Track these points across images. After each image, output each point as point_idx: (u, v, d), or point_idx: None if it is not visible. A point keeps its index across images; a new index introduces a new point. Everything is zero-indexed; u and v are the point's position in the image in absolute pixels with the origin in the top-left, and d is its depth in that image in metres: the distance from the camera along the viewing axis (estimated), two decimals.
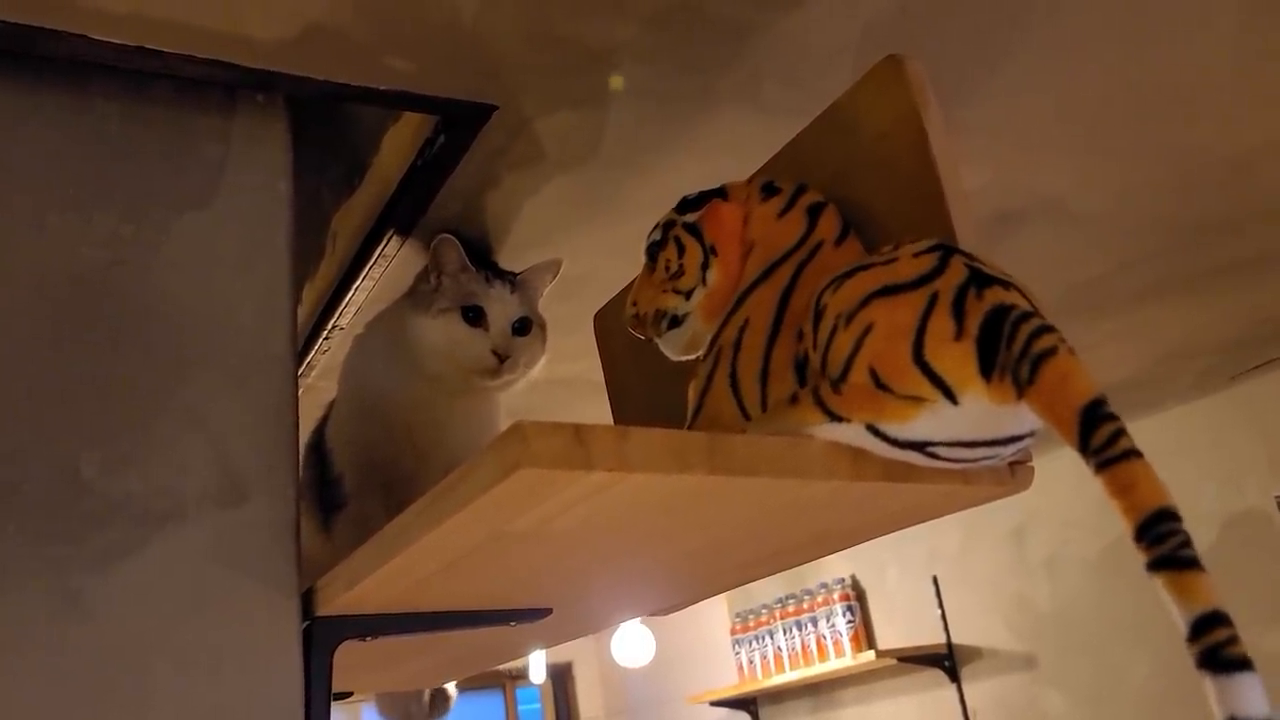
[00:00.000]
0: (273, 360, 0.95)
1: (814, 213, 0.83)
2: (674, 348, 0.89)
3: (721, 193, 0.87)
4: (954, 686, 3.45)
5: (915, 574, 3.62)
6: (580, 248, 1.32)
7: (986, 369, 0.63)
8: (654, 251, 0.89)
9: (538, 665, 4.25)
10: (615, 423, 1.19)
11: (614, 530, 0.73)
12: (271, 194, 1.00)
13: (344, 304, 1.37)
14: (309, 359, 1.51)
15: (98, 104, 0.95)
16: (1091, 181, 1.39)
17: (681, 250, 0.86)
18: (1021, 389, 0.61)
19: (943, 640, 3.50)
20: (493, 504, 0.63)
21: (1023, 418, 0.64)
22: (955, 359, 0.63)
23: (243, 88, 0.98)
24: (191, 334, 0.92)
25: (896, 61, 0.84)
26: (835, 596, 3.76)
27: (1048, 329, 0.63)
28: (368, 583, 0.81)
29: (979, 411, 0.63)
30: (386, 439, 1.21)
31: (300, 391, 1.61)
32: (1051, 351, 0.61)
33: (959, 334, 0.64)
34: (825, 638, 3.76)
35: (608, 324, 1.21)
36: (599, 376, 1.25)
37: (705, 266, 0.85)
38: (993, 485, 0.72)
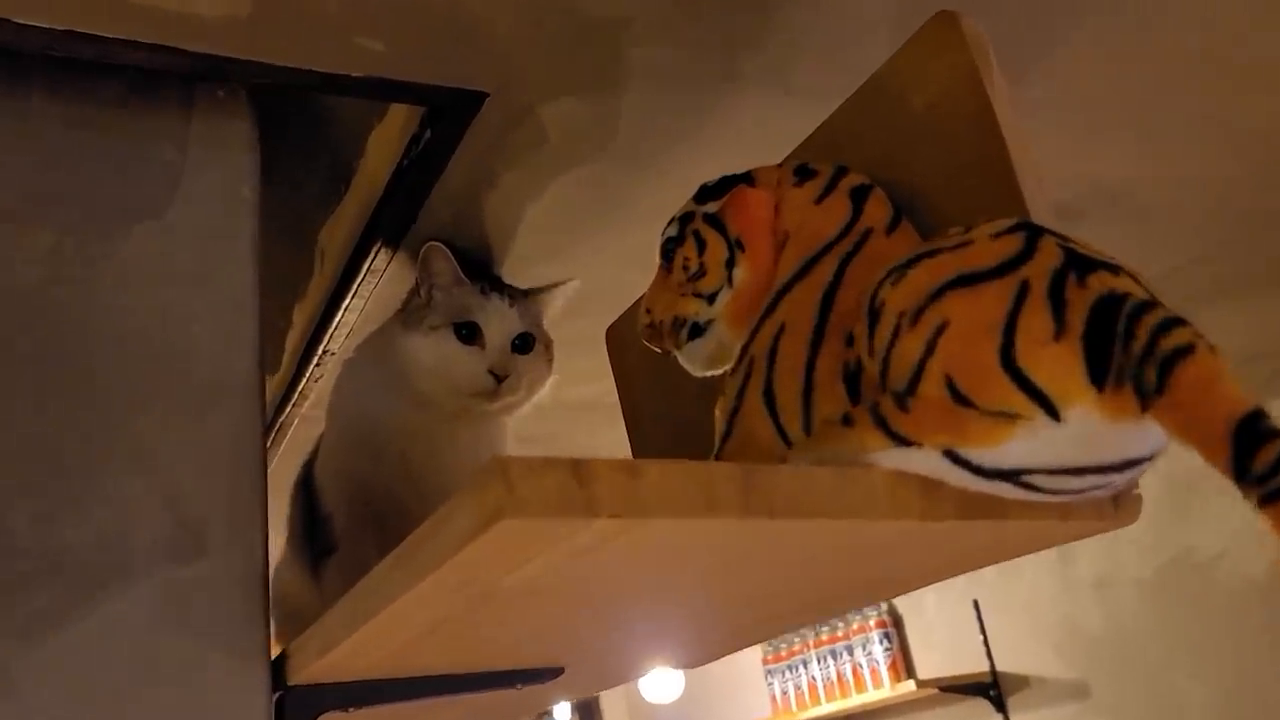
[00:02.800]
0: (235, 389, 0.83)
1: (859, 197, 0.70)
2: (697, 361, 0.76)
3: (748, 178, 0.75)
4: (1000, 717, 3.29)
5: (954, 598, 3.46)
6: (590, 256, 1.19)
7: (1097, 375, 0.49)
8: (670, 249, 0.76)
9: (563, 703, 4.11)
10: (633, 452, 1.06)
11: (627, 583, 0.60)
12: (234, 200, 0.88)
13: (334, 326, 1.26)
14: (300, 387, 1.39)
15: (36, 103, 0.84)
16: (1156, 170, 1.26)
17: (702, 246, 0.73)
18: (1147, 399, 0.48)
19: (986, 668, 3.34)
20: (474, 561, 0.50)
21: (1147, 436, 0.51)
22: (1056, 363, 0.50)
23: (199, 80, 0.87)
24: (142, 360, 0.80)
25: (950, 19, 0.72)
26: (871, 623, 3.61)
27: (1177, 321, 0.49)
28: (343, 648, 0.68)
29: (1089, 429, 0.50)
30: (379, 473, 1.09)
31: (294, 423, 1.50)
32: (1187, 350, 0.48)
33: (1059, 332, 0.50)
34: (862, 666, 3.60)
35: (622, 339, 1.09)
36: (615, 398, 1.12)
37: (730, 264, 0.72)
38: (1093, 519, 0.59)
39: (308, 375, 1.38)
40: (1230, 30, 1.03)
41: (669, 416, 1.01)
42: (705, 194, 0.76)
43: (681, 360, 0.78)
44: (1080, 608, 3.10)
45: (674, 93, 0.95)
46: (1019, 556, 0.67)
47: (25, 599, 0.71)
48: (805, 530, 0.53)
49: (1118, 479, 0.54)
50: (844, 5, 0.88)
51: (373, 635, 0.65)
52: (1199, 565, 2.76)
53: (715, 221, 0.73)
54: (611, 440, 1.65)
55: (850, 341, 0.61)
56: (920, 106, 0.73)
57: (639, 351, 1.03)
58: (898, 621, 3.66)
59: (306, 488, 1.16)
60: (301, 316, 1.34)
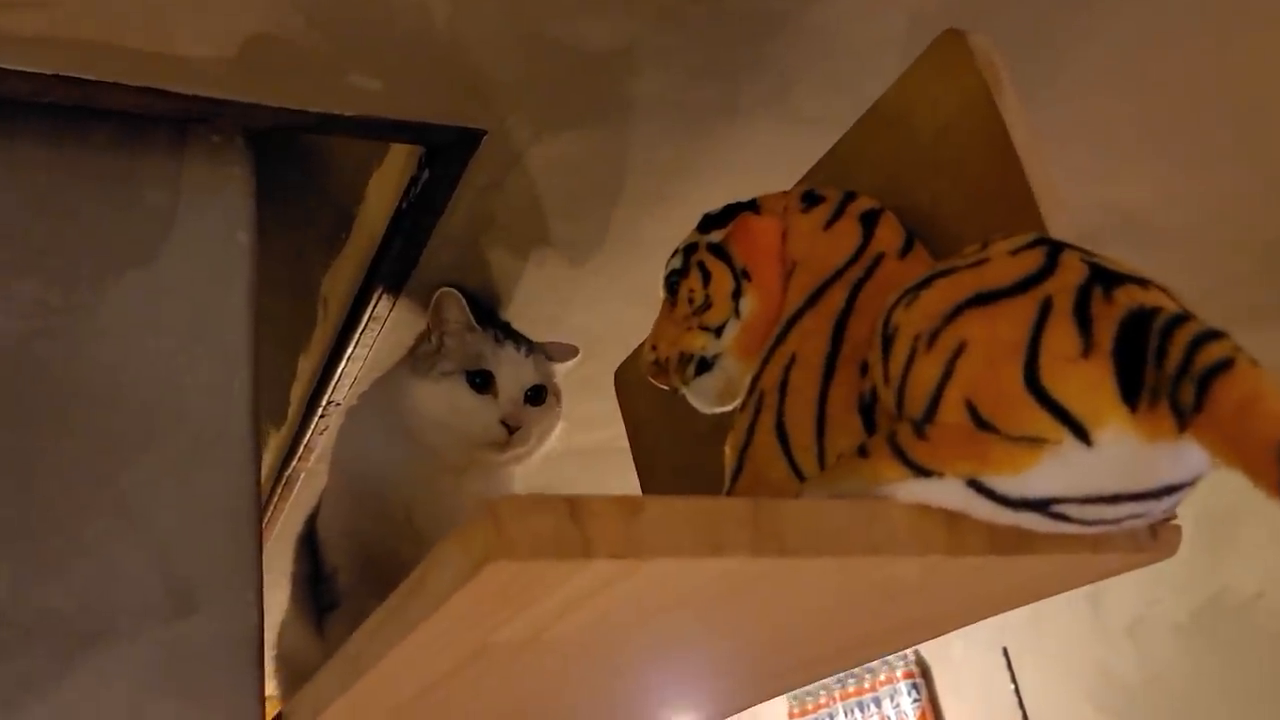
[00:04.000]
0: (229, 441, 0.80)
1: (869, 221, 0.67)
2: (705, 397, 0.73)
3: (752, 205, 0.72)
4: None
5: (983, 646, 3.37)
6: (594, 296, 1.16)
7: (1130, 394, 0.46)
8: (674, 282, 0.73)
9: None
10: (644, 492, 1.02)
11: (632, 632, 0.56)
12: (229, 246, 0.86)
13: (338, 376, 1.23)
14: (305, 440, 1.37)
15: (21, 150, 0.82)
16: (1176, 193, 1.23)
17: (707, 277, 0.70)
18: (1185, 418, 0.44)
19: (1019, 718, 3.24)
20: (465, 610, 0.47)
21: (1185, 459, 0.47)
22: (1084, 382, 0.47)
23: (193, 123, 0.85)
24: (130, 414, 0.77)
25: (957, 37, 0.69)
26: (898, 674, 3.52)
27: (1215, 335, 0.46)
28: (337, 708, 0.64)
29: (1122, 453, 0.46)
30: (384, 525, 1.05)
31: (299, 477, 1.47)
32: (1226, 364, 0.44)
33: (1087, 348, 0.47)
34: (890, 719, 3.51)
35: (630, 380, 1.06)
36: (625, 443, 1.09)
37: (737, 294, 0.69)
38: (1129, 553, 0.55)
39: (313, 427, 1.35)
40: (1249, 53, 1.00)
41: (682, 460, 0.97)
42: (709, 223, 0.73)
43: (689, 397, 0.74)
44: (1114, 653, 3.01)
45: (675, 124, 0.92)
46: (1055, 594, 0.63)
47: (6, 664, 0.67)
48: (822, 569, 0.49)
49: (1156, 507, 0.50)
50: (846, 31, 0.86)
51: (365, 695, 0.62)
52: (1236, 607, 2.68)
53: (720, 251, 0.70)
54: (621, 486, 1.61)
55: (865, 370, 0.58)
56: (930, 130, 0.70)
57: (649, 393, 0.99)
58: (925, 672, 3.57)
59: (309, 542, 1.13)
60: (306, 367, 1.32)
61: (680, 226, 1.06)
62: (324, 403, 1.29)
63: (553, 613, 0.48)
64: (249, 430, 0.81)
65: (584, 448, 1.46)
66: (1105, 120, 1.07)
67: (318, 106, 0.81)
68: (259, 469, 0.82)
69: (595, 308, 1.19)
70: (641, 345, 1.03)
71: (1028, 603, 0.64)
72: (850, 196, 0.70)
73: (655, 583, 0.47)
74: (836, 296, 0.63)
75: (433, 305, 1.05)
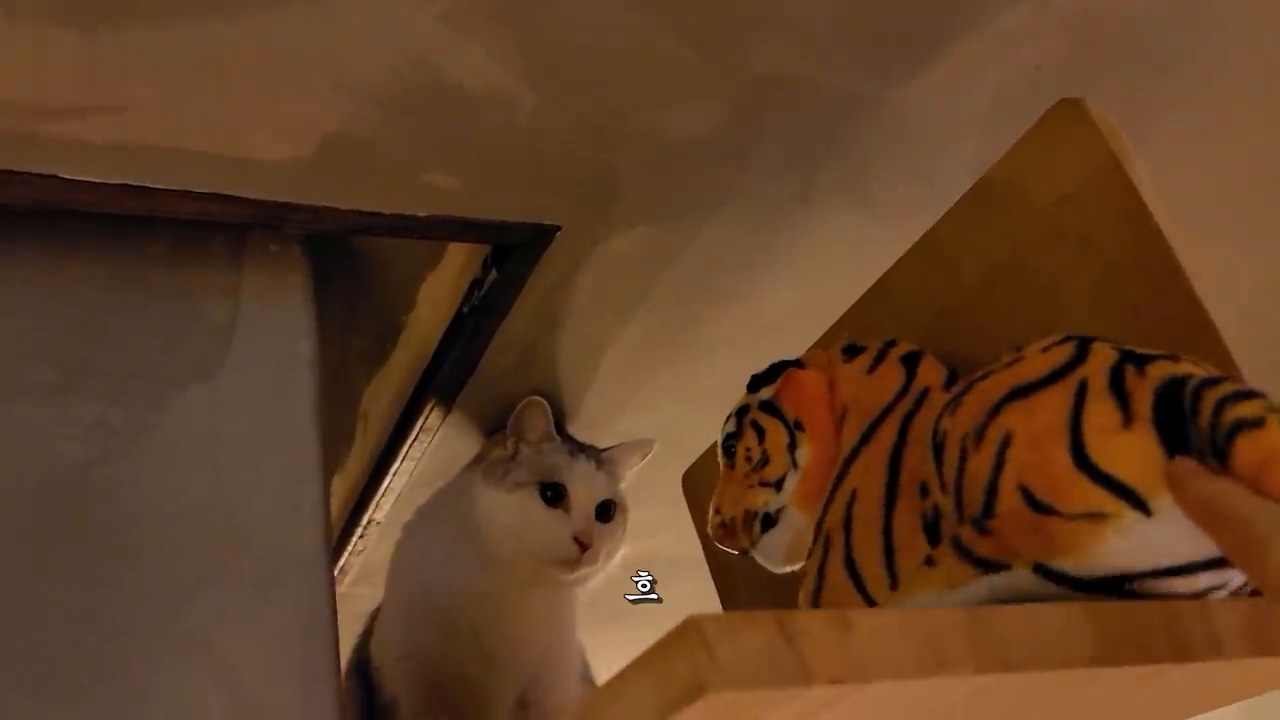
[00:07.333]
0: (301, 563, 0.75)
1: (910, 361, 0.69)
2: (774, 555, 0.73)
3: (797, 362, 0.74)
4: None
5: None
6: (650, 399, 1.12)
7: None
8: (730, 445, 0.74)
9: None
10: (723, 606, 0.96)
11: None
12: (291, 358, 0.82)
13: (380, 493, 1.17)
14: (342, 562, 1.30)
15: (76, 267, 0.78)
16: (1235, 272, 1.20)
17: (761, 434, 0.71)
18: None
19: None
20: None
21: None
22: (1131, 452, 0.47)
23: (253, 229, 0.81)
24: (198, 537, 0.73)
25: (1075, 105, 0.66)
26: None
27: (1247, 394, 0.45)
28: None
29: (1186, 519, 0.46)
30: (449, 646, 1.00)
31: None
32: (1253, 423, 0.43)
33: (1127, 419, 0.48)
34: None
35: (700, 483, 1.00)
36: (680, 549, 1.04)
37: (793, 445, 0.70)
38: None
39: (350, 549, 1.28)
40: None
41: (761, 568, 0.92)
42: (757, 382, 0.74)
43: (759, 558, 0.74)
44: None
45: (747, 215, 0.89)
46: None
47: None
48: (1037, 683, 0.44)
49: (1235, 575, 0.48)
50: (927, 112, 0.84)
51: None
52: None
53: (771, 407, 0.72)
54: (674, 595, 1.54)
55: (924, 492, 0.59)
56: (1048, 202, 0.67)
57: None
58: None
59: (360, 671, 1.06)
60: (342, 486, 1.26)
61: (743, 322, 1.02)
62: (364, 522, 1.23)
63: None
64: (322, 549, 0.76)
65: (636, 557, 1.40)
66: (1174, 199, 1.05)
67: (390, 208, 0.78)
68: (334, 590, 0.76)
69: (650, 411, 1.14)
70: (712, 449, 0.98)
71: (1202, 711, 0.59)
72: (890, 343, 0.71)
73: (870, 707, 0.41)
74: (888, 431, 0.64)
75: (517, 413, 1.01)
